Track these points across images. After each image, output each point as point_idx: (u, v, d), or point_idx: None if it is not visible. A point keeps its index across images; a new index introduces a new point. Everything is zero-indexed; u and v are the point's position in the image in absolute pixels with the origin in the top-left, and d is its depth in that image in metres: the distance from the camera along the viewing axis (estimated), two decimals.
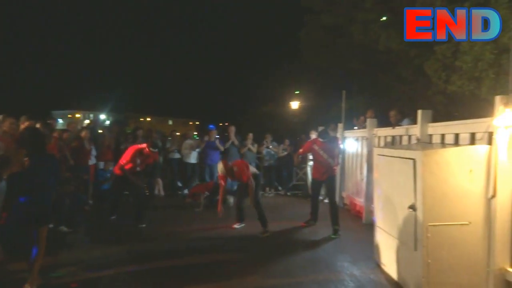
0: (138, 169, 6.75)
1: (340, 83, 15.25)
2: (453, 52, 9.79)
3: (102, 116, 42.01)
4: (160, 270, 4.54)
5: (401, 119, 6.97)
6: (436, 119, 5.21)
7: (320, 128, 6.90)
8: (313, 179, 7.12)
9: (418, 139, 5.16)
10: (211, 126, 10.83)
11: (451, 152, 3.70)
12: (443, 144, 4.60)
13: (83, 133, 8.08)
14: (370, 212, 7.00)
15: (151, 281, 4.22)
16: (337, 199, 8.04)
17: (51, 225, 6.10)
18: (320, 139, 6.63)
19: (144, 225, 6.57)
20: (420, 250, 3.58)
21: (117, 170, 6.82)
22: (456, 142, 4.32)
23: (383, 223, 4.61)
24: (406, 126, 6.05)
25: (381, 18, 15.04)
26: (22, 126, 5.79)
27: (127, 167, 6.60)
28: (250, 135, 10.42)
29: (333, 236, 6.13)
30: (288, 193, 10.68)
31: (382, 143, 6.95)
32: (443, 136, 4.70)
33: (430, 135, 5.06)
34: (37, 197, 3.73)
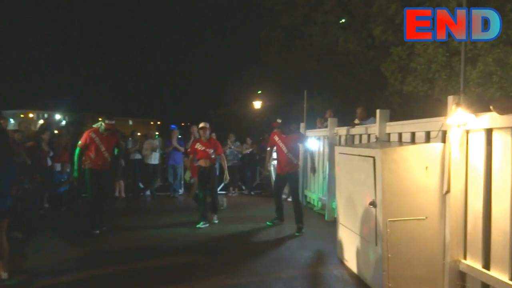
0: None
1: (300, 83, 15.52)
2: (408, 54, 10.24)
3: (58, 116, 40.23)
4: (120, 274, 4.41)
5: (366, 116, 7.19)
6: (392, 118, 5.41)
7: (279, 120, 6.74)
8: (276, 174, 7.13)
9: (377, 138, 5.33)
10: (172, 126, 10.67)
11: (408, 150, 3.84)
12: (400, 142, 4.78)
13: (44, 135, 7.76)
14: (332, 210, 7.18)
15: (112, 286, 4.10)
16: (300, 197, 8.17)
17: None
18: (279, 132, 6.67)
19: (97, 232, 6.07)
20: (380, 245, 3.70)
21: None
22: (413, 140, 4.50)
23: (345, 220, 4.73)
24: (366, 125, 6.23)
25: (340, 20, 15.43)
26: None
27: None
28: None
29: (297, 234, 6.21)
30: (252, 193, 10.72)
31: (342, 142, 7.13)
32: (400, 134, 4.88)
33: (388, 134, 5.24)
34: None
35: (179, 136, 10.65)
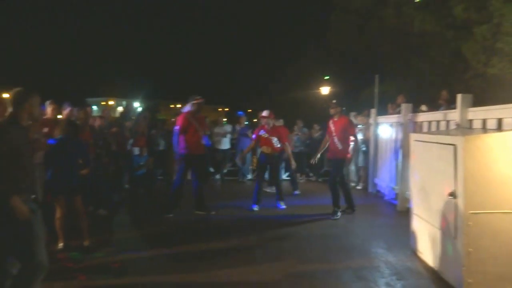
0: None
1: (371, 67, 14.92)
2: (494, 34, 9.39)
3: (136, 104, 42.78)
4: (191, 254, 4.63)
5: (450, 101, 6.70)
6: (474, 104, 5.03)
7: (334, 101, 6.66)
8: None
9: (457, 125, 4.99)
10: (239, 112, 10.90)
11: (494, 138, 3.55)
12: (484, 129, 4.43)
13: (127, 122, 8.43)
14: (405, 199, 6.89)
15: (185, 264, 4.33)
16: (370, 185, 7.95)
17: (90, 208, 6.39)
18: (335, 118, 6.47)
19: (171, 215, 6.23)
20: (460, 238, 3.49)
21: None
22: (499, 127, 4.15)
23: (420, 210, 4.52)
24: (444, 111, 5.86)
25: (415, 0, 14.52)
26: (64, 112, 6.09)
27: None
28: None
29: (333, 218, 6.20)
30: (320, 179, 10.62)
31: (417, 128, 6.77)
32: (484, 121, 4.53)
33: (470, 120, 4.88)
34: (64, 172, 4.52)
35: (246, 123, 10.85)
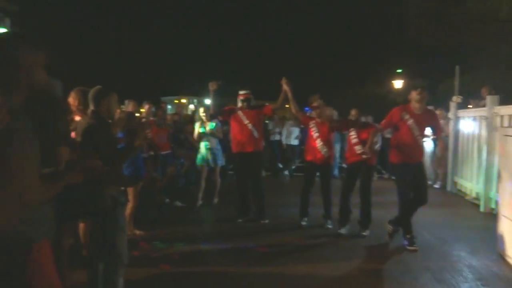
0: None
1: (450, 58, 13.96)
2: None
3: (207, 101, 44.29)
4: (256, 249, 4.64)
5: None
6: None
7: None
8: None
9: None
10: (306, 108, 10.77)
11: None
12: None
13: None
14: (489, 199, 6.37)
15: (253, 258, 4.37)
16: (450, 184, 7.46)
17: (167, 200, 6.76)
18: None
19: (267, 221, 5.78)
20: None
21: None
22: None
23: (510, 212, 4.15)
24: None
25: None
26: (146, 107, 6.57)
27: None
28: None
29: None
30: (393, 177, 10.16)
31: (505, 123, 6.20)
32: None
33: None
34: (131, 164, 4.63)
35: None
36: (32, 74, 1.67)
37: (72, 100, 3.54)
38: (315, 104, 5.63)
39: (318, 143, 5.46)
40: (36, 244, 1.66)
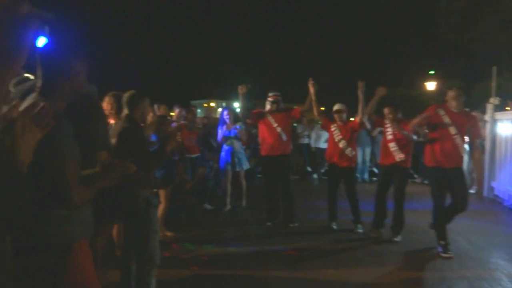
0: None
1: (485, 58, 13.48)
2: None
3: (235, 104, 44.57)
4: (281, 252, 4.63)
5: None
6: None
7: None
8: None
9: None
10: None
11: None
12: None
13: None
14: None
15: (288, 261, 4.36)
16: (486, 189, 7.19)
17: (195, 202, 6.83)
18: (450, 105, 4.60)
19: (296, 224, 5.74)
20: None
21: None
22: None
23: None
24: None
25: None
26: (176, 111, 6.71)
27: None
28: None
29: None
30: (425, 181, 9.90)
31: None
32: None
33: None
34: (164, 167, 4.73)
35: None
36: (77, 82, 1.74)
37: (105, 104, 3.64)
38: (337, 108, 5.67)
39: (342, 144, 5.44)
40: (76, 244, 1.71)
